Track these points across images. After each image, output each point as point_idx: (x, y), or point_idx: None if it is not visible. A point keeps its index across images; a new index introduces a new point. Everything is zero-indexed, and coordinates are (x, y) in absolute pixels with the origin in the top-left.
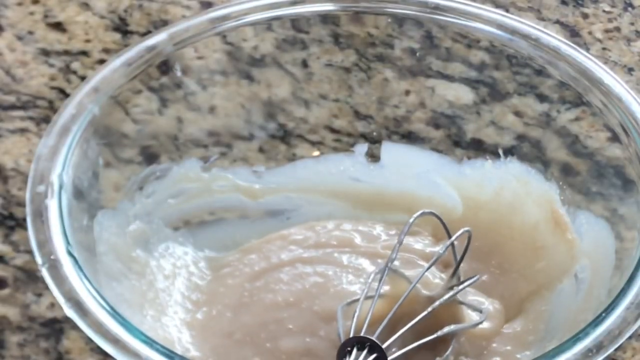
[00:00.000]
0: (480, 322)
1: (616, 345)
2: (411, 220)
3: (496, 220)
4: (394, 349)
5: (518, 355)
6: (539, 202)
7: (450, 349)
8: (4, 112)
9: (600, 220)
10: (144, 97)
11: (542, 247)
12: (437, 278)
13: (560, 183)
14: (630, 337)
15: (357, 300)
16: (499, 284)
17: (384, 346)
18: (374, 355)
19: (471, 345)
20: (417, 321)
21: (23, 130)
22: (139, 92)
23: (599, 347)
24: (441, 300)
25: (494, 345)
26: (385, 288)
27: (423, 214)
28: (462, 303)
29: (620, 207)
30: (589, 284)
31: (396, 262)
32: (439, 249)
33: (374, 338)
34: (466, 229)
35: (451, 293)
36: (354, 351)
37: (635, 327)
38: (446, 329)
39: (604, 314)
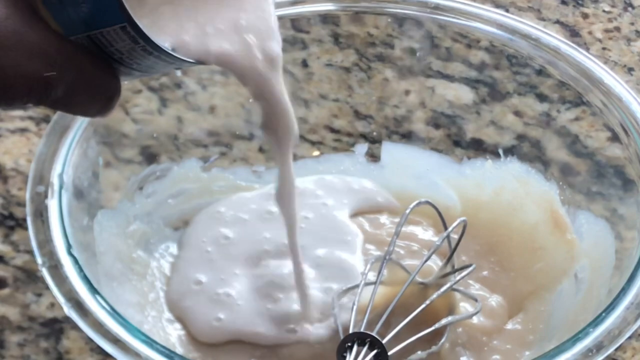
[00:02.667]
0: (476, 313)
1: (616, 345)
2: (407, 210)
3: (495, 221)
4: (387, 339)
5: (518, 355)
6: (539, 202)
7: (444, 337)
8: (4, 112)
9: (600, 220)
10: (144, 97)
11: (541, 248)
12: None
13: (560, 183)
14: (630, 337)
15: (351, 289)
16: (500, 281)
17: (384, 341)
18: (374, 351)
19: (469, 337)
20: (416, 314)
21: (23, 130)
22: (139, 92)
23: (599, 347)
24: (439, 292)
25: (495, 342)
26: (383, 277)
27: (419, 203)
28: (456, 290)
29: (620, 207)
30: (589, 284)
31: (399, 251)
32: (436, 240)
33: (374, 334)
34: (462, 218)
35: (450, 284)
36: (355, 347)
37: (635, 327)
38: (444, 321)
39: (604, 314)
